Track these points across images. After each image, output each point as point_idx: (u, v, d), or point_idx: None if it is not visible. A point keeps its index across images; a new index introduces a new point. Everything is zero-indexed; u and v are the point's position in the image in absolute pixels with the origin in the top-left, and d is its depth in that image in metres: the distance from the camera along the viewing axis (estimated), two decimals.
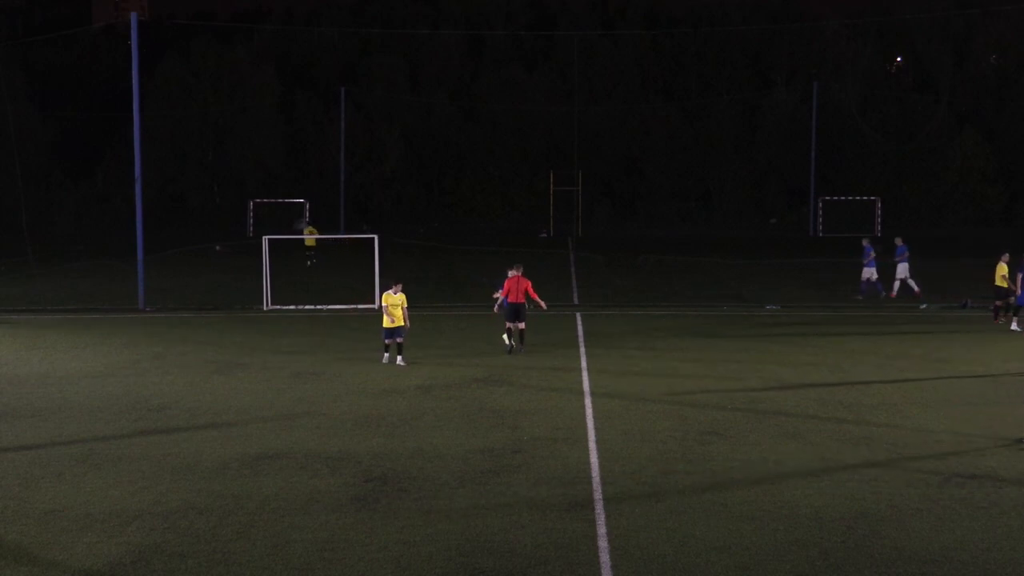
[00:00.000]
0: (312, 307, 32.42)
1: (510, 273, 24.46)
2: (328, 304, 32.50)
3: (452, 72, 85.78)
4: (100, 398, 19.72)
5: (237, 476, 14.57)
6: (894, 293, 34.11)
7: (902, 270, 34.23)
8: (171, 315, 31.68)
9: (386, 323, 22.42)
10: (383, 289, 22.73)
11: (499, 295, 24.76)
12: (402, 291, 22.72)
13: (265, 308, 32.36)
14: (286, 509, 13.14)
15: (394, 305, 22.37)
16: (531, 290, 24.31)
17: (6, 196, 62.18)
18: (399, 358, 22.58)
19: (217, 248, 54.81)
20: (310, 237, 46.09)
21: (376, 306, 22.72)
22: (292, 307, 32.45)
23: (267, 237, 34.65)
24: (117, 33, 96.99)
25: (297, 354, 24.36)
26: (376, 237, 33.97)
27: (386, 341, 22.68)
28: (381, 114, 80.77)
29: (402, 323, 22.46)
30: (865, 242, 35.02)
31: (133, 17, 34.81)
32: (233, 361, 23.57)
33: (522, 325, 24.34)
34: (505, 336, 24.50)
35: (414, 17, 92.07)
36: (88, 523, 12.70)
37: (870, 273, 34.17)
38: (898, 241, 34.93)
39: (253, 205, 68.72)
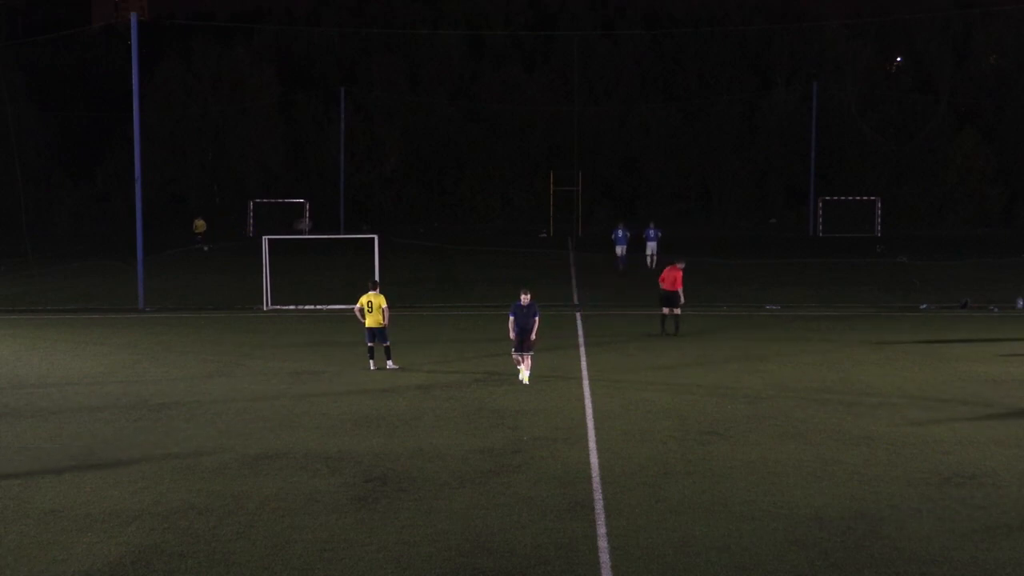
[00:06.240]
0: (312, 307, 32.44)
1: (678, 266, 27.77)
2: (328, 304, 32.51)
3: (452, 72, 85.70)
4: (100, 398, 19.72)
5: (237, 476, 14.57)
6: (653, 265, 41.94)
7: (650, 247, 43.85)
8: (171, 315, 31.68)
9: (369, 322, 22.26)
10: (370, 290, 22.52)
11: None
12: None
13: (265, 308, 32.36)
14: (286, 509, 13.14)
15: (378, 307, 22.15)
16: (679, 281, 27.19)
17: (6, 196, 62.14)
18: (388, 362, 22.40)
19: (205, 249, 54.86)
20: (200, 226, 56.67)
21: (358, 308, 22.49)
22: (292, 307, 32.46)
23: (267, 237, 34.64)
24: (117, 33, 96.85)
25: (297, 354, 24.36)
26: (376, 237, 33.96)
27: (369, 344, 22.36)
28: (381, 114, 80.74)
29: (383, 323, 22.20)
30: (620, 226, 44.17)
31: (133, 17, 34.81)
32: (233, 361, 23.57)
33: (677, 311, 27.12)
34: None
35: (414, 17, 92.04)
36: (88, 523, 12.69)
37: (622, 251, 43.06)
38: (651, 224, 45.12)
39: (253, 205, 68.72)
